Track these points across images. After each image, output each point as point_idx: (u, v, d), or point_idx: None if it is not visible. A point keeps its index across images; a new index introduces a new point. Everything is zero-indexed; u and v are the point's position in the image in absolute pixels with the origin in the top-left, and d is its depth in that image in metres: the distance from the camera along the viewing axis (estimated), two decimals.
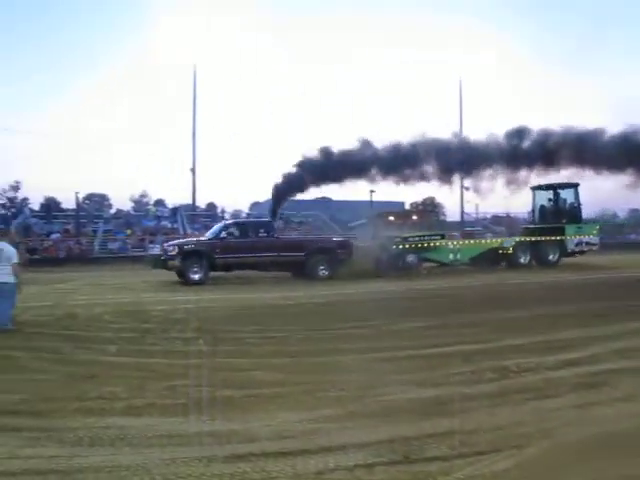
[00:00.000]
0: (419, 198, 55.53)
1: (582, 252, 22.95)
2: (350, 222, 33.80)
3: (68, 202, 41.42)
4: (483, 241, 23.03)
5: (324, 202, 42.70)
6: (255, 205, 54.71)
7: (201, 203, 40.00)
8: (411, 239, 20.62)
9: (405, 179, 22.62)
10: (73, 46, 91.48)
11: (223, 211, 39.69)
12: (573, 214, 23.19)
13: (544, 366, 6.45)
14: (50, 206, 50.37)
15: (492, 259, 21.70)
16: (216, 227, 20.68)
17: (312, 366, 6.69)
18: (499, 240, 22.54)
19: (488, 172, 22.42)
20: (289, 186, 22.50)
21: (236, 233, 18.84)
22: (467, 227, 34.90)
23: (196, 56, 51.41)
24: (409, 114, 67.42)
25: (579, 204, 23.56)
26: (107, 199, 64.46)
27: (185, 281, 17.61)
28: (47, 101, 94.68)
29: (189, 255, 17.99)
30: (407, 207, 50.54)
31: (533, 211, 24.72)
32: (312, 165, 21.82)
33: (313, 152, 22.07)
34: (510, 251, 21.41)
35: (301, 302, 12.92)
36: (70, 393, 5.68)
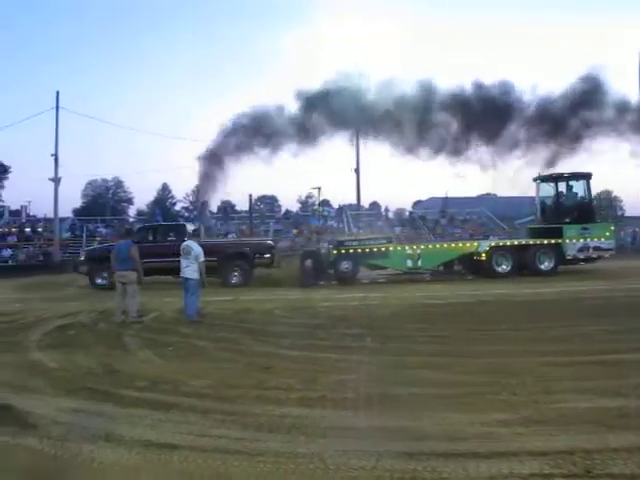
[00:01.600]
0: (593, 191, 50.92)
1: (589, 259, 18.64)
2: (517, 219, 32.19)
3: (241, 204, 44.97)
4: (453, 245, 19.49)
5: (489, 198, 41.25)
6: (418, 203, 54.53)
7: (365, 202, 40.72)
8: (348, 243, 18.35)
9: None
10: (238, 59, 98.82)
11: (387, 209, 39.96)
12: (582, 212, 18.84)
13: None
14: (226, 208, 54.64)
15: (468, 267, 18.78)
16: None
17: (480, 367, 6.51)
18: (474, 244, 18.97)
19: None
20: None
21: (146, 237, 18.20)
22: None
23: (357, 59, 52.15)
24: None
25: (591, 199, 19.31)
26: (277, 200, 68.48)
27: (92, 285, 17.93)
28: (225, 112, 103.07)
29: (96, 260, 18.10)
30: None
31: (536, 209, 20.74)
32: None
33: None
34: (482, 257, 17.96)
35: (451, 302, 12.58)
36: (250, 381, 6.16)
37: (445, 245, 19.66)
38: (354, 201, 39.10)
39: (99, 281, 18.03)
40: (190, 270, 10.59)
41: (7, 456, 4.24)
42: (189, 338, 8.98)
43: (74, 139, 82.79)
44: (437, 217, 37.67)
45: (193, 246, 10.71)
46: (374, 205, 58.32)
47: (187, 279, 10.60)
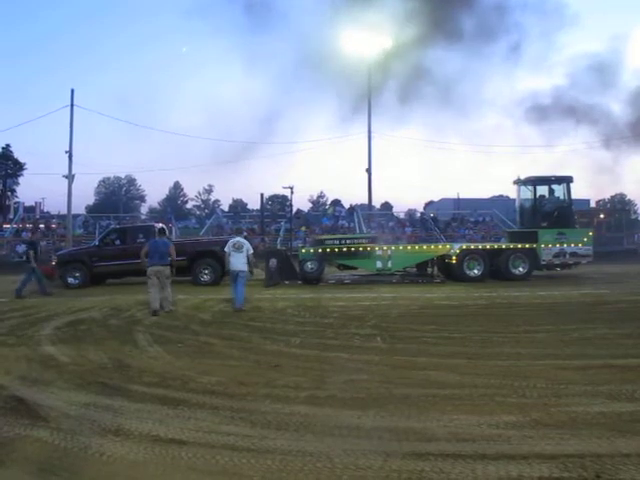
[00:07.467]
0: (606, 195, 50.84)
1: (565, 265, 18.26)
2: None
3: (253, 203, 45.34)
4: (424, 247, 19.08)
5: (503, 200, 41.06)
6: (429, 204, 54.43)
7: (376, 203, 40.69)
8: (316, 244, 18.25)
9: None
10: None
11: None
12: (560, 216, 18.44)
13: None
14: (237, 207, 54.92)
15: (442, 270, 18.54)
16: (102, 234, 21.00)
17: (490, 369, 6.46)
18: (447, 246, 18.67)
19: None
20: None
21: (115, 240, 18.57)
22: None
23: (370, 58, 51.59)
24: None
25: (570, 204, 18.83)
26: (288, 199, 68.61)
27: (66, 285, 18.12)
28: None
29: (67, 264, 18.64)
30: (593, 205, 46.82)
31: (515, 212, 20.43)
32: None
33: None
34: (453, 260, 17.59)
35: (465, 304, 12.49)
36: (259, 379, 6.16)
37: (417, 247, 19.25)
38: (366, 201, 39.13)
39: (71, 280, 18.36)
40: (243, 263, 11.77)
41: (18, 448, 4.28)
42: (199, 335, 9.01)
43: (89, 137, 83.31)
44: (448, 218, 37.64)
45: (243, 241, 11.90)
46: (386, 205, 58.36)
47: (240, 271, 11.73)
